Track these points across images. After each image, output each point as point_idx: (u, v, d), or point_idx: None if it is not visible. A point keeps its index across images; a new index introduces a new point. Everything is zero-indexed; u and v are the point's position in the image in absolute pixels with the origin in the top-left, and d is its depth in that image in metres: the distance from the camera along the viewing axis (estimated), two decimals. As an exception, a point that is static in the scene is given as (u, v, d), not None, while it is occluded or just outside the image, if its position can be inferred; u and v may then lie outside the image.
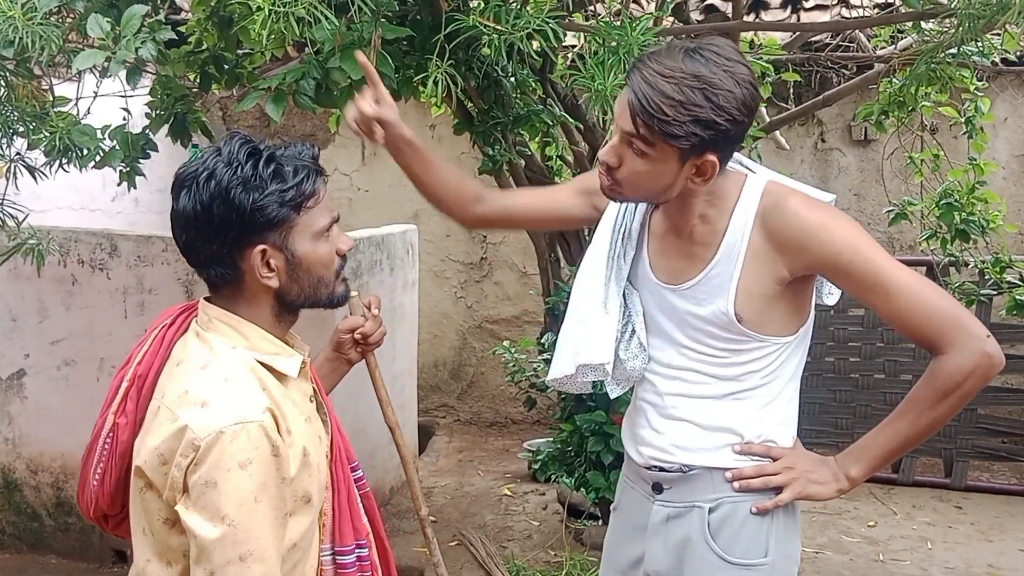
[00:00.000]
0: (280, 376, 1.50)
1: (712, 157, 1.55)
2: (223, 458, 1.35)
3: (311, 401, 1.58)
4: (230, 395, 1.40)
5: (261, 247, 1.44)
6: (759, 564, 1.67)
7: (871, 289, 1.58)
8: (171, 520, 1.42)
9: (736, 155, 1.72)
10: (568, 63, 3.42)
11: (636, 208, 1.79)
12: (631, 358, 1.73)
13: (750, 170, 1.71)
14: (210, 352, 1.46)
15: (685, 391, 1.71)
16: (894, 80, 3.38)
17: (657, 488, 1.75)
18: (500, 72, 3.05)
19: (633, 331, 1.74)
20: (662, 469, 1.73)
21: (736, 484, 1.67)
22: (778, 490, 1.67)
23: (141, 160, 2.60)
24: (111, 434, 1.51)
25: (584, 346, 1.76)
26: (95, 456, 1.53)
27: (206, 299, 1.54)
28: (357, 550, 1.61)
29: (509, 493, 4.37)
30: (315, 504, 1.52)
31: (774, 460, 1.69)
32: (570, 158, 3.81)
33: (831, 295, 1.77)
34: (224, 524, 1.35)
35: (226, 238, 1.43)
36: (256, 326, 1.50)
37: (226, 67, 2.70)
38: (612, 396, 1.82)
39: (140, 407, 1.50)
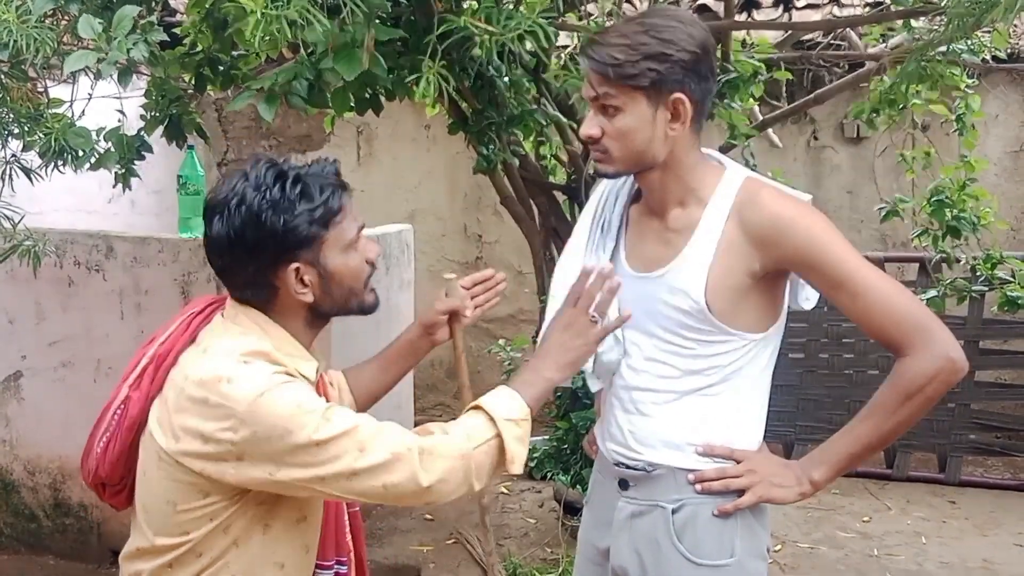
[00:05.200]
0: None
1: (680, 95, 1.60)
2: (274, 413, 1.41)
3: None
4: (253, 370, 1.45)
5: (295, 265, 1.50)
6: (725, 565, 1.68)
7: (839, 286, 1.60)
8: (204, 491, 1.48)
9: (715, 153, 1.76)
10: (561, 63, 3.43)
11: (616, 201, 1.82)
12: (607, 351, 1.74)
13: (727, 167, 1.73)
14: (233, 341, 1.51)
15: (653, 385, 1.72)
16: (885, 78, 3.40)
17: (623, 485, 1.76)
18: (494, 72, 3.06)
19: None
20: (627, 466, 1.75)
21: (698, 486, 1.69)
22: (740, 492, 1.68)
23: (136, 162, 2.61)
24: (122, 406, 1.57)
25: None
26: (104, 424, 1.58)
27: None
28: (336, 566, 1.66)
29: (505, 491, 4.37)
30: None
31: (737, 462, 1.70)
32: (564, 157, 3.83)
33: (808, 300, 1.78)
34: (321, 449, 1.41)
35: (261, 260, 1.49)
36: (281, 328, 1.55)
37: (221, 68, 2.71)
38: (593, 390, 1.84)
39: (155, 385, 1.55)
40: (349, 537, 1.69)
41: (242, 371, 1.45)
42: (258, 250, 1.48)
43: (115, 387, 1.60)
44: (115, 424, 1.57)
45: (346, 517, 1.69)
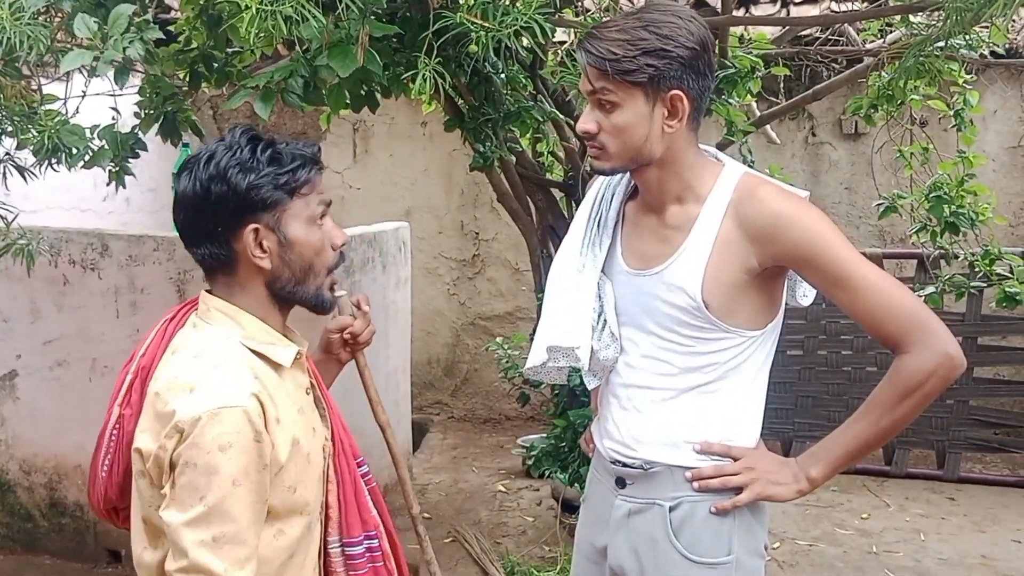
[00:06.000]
0: (275, 366, 1.53)
1: (678, 92, 1.59)
2: (203, 441, 1.38)
3: (307, 393, 1.60)
4: (218, 381, 1.43)
5: (254, 226, 1.49)
6: (722, 563, 1.68)
7: (837, 283, 1.60)
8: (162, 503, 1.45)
9: (713, 149, 1.75)
10: (558, 59, 3.42)
11: (612, 198, 1.81)
12: (603, 348, 1.73)
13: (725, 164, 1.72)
14: (204, 341, 1.50)
15: (650, 383, 1.71)
16: (883, 74, 3.39)
17: (620, 483, 1.76)
18: (490, 69, 3.05)
19: (605, 321, 1.75)
20: (625, 464, 1.74)
21: (695, 484, 1.68)
22: (738, 490, 1.68)
23: (131, 160, 2.60)
24: (117, 425, 1.56)
25: (554, 330, 1.77)
26: (103, 448, 1.57)
27: (207, 291, 1.57)
28: (366, 541, 1.64)
29: (503, 489, 4.38)
30: (308, 499, 1.54)
31: (734, 460, 1.69)
32: (561, 154, 3.82)
33: (806, 296, 1.78)
34: (200, 505, 1.38)
35: (221, 216, 1.48)
36: (254, 316, 1.53)
37: (216, 65, 2.70)
38: (589, 388, 1.83)
39: (144, 397, 1.53)
40: (375, 512, 1.67)
41: (207, 380, 1.43)
42: (219, 205, 1.47)
43: (107, 409, 1.58)
44: (113, 445, 1.55)
45: (367, 494, 1.68)
